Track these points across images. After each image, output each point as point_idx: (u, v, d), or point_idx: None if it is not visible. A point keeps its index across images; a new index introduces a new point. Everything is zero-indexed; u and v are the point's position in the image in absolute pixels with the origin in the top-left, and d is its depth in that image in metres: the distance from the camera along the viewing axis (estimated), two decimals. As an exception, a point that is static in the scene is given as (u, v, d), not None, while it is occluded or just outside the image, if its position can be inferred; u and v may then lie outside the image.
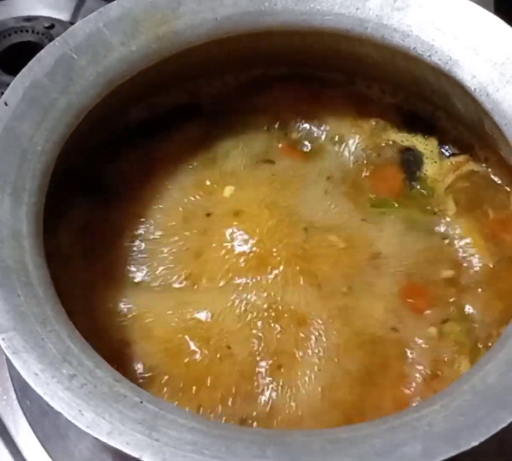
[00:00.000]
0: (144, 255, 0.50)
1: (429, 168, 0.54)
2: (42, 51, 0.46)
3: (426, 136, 0.55)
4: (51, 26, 0.73)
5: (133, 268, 0.49)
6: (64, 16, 0.75)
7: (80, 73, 0.46)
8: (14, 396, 0.51)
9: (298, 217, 0.51)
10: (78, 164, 0.51)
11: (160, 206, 0.51)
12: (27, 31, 0.73)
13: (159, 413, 0.36)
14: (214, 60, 0.53)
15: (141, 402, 0.36)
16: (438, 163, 0.54)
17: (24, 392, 0.49)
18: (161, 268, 0.49)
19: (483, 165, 0.53)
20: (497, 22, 0.46)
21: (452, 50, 0.47)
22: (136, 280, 0.49)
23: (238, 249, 0.49)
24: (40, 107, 0.45)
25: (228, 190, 0.52)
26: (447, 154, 0.54)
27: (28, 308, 0.38)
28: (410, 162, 0.54)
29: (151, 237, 0.50)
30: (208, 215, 0.51)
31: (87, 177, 0.52)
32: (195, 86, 0.56)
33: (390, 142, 0.55)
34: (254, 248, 0.49)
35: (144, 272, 0.49)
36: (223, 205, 0.51)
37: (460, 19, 0.47)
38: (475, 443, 0.34)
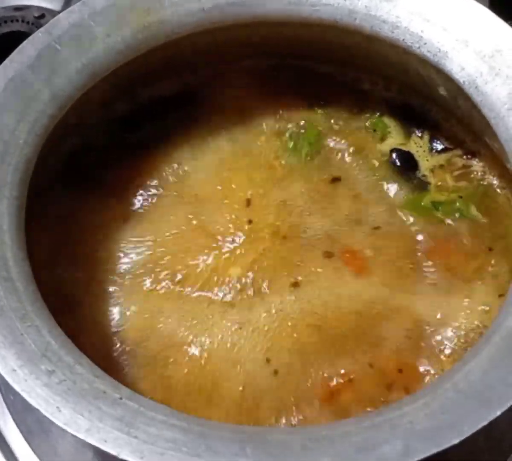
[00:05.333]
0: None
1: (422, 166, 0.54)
2: (24, 42, 0.45)
3: (419, 130, 0.54)
4: (42, 16, 0.72)
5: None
6: (55, 6, 0.74)
7: (64, 64, 0.46)
8: (-1, 389, 0.51)
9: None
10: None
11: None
12: (17, 20, 0.72)
13: (138, 409, 0.35)
14: (201, 51, 0.52)
15: (121, 399, 0.36)
16: (429, 161, 0.54)
17: (7, 386, 0.48)
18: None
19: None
20: (487, 14, 0.46)
21: (441, 42, 0.46)
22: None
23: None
24: (22, 99, 0.44)
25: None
26: (438, 148, 0.54)
27: (8, 303, 0.38)
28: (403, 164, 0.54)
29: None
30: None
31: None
32: (182, 78, 0.55)
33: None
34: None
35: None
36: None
37: (450, 10, 0.46)
38: (456, 441, 0.33)
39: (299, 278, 0.48)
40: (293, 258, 0.49)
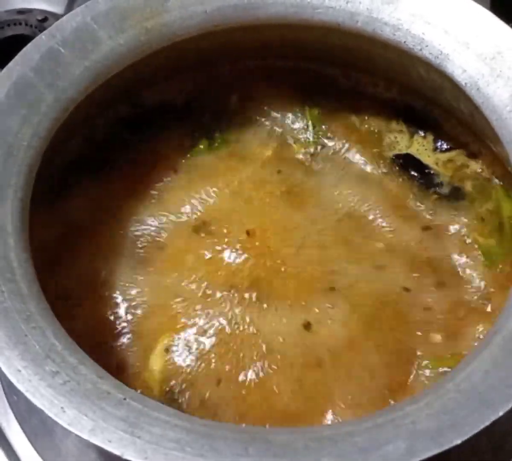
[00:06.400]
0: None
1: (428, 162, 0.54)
2: (28, 45, 0.46)
3: (422, 132, 0.54)
4: (45, 19, 0.72)
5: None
6: (58, 9, 0.75)
7: (67, 67, 0.46)
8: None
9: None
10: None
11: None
12: (20, 24, 0.72)
13: (142, 410, 0.35)
14: (203, 53, 0.53)
15: (125, 399, 0.36)
16: (431, 157, 0.54)
17: (11, 387, 0.48)
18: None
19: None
20: (488, 16, 0.46)
21: (443, 44, 0.46)
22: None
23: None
24: (26, 102, 0.44)
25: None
26: (442, 148, 0.54)
27: (12, 304, 0.38)
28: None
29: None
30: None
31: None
32: (185, 80, 0.55)
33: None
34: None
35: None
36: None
37: (451, 12, 0.46)
38: (458, 442, 0.33)
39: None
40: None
